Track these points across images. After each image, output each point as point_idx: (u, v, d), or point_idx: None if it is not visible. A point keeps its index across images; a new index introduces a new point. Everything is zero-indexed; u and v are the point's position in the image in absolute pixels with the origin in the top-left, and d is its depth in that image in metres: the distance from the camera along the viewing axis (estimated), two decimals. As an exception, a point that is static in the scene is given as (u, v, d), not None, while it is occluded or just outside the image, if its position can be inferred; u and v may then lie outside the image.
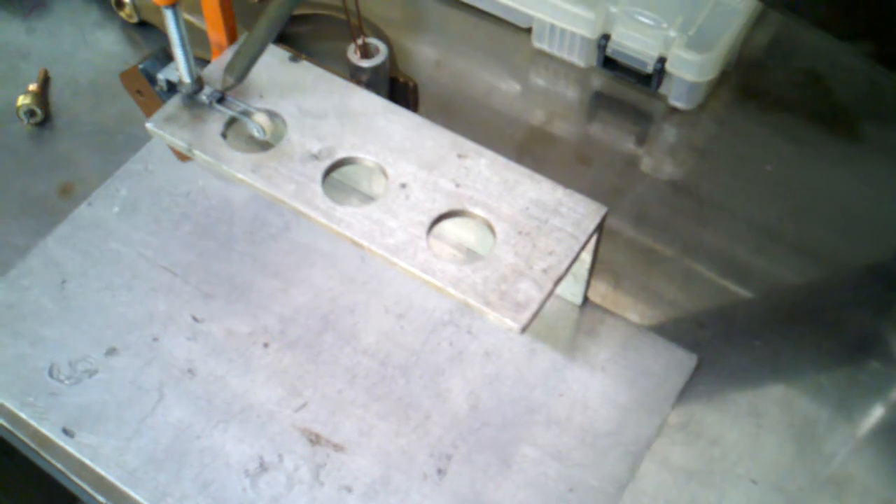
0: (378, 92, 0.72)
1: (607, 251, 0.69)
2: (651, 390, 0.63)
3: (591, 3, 0.76)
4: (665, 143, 0.78)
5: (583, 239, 0.58)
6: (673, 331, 0.67)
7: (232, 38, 0.68)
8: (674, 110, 0.79)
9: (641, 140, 0.78)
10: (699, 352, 0.65)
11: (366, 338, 0.65)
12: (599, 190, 0.74)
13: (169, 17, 0.59)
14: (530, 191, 0.61)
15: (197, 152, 0.62)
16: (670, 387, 0.63)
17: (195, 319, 0.66)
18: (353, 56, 0.71)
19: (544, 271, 0.57)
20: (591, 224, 0.59)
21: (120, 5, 0.82)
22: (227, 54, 0.67)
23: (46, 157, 0.76)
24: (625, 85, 0.80)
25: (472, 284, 0.56)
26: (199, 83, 0.64)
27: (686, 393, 0.64)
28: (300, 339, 0.65)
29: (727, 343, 0.67)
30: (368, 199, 0.70)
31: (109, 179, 0.74)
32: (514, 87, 0.82)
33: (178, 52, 0.62)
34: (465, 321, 0.66)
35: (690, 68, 0.74)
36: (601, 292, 0.69)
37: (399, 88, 0.75)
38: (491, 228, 0.59)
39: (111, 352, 0.64)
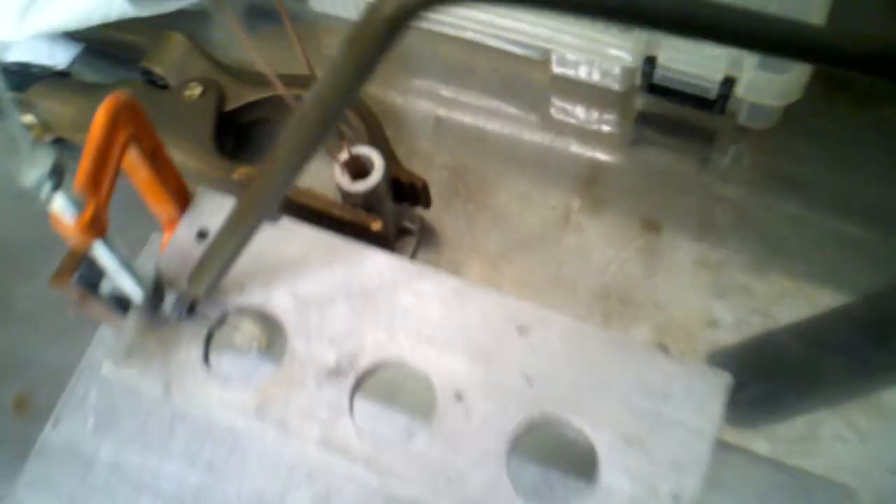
0: (379, 210, 0.55)
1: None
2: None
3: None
4: (745, 181, 0.61)
5: (711, 433, 0.44)
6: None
7: (184, 202, 0.51)
8: (745, 130, 0.62)
9: (714, 182, 0.61)
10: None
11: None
12: (679, 267, 0.59)
13: (99, 251, 0.42)
14: (626, 368, 0.46)
15: (179, 397, 0.47)
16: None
17: (226, 573, 0.52)
18: (343, 178, 0.54)
19: (675, 498, 0.43)
20: (716, 406, 0.45)
21: (27, 126, 0.64)
22: (184, 231, 0.50)
23: (-15, 361, 0.61)
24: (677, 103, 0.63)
25: (587, 543, 0.42)
26: (157, 292, 0.48)
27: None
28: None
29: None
30: (411, 406, 0.54)
31: (72, 380, 0.58)
32: (540, 133, 0.64)
33: (122, 281, 0.45)
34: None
35: (768, 92, 0.57)
36: (712, 416, 0.55)
37: (404, 190, 0.58)
38: (589, 442, 0.45)
39: None
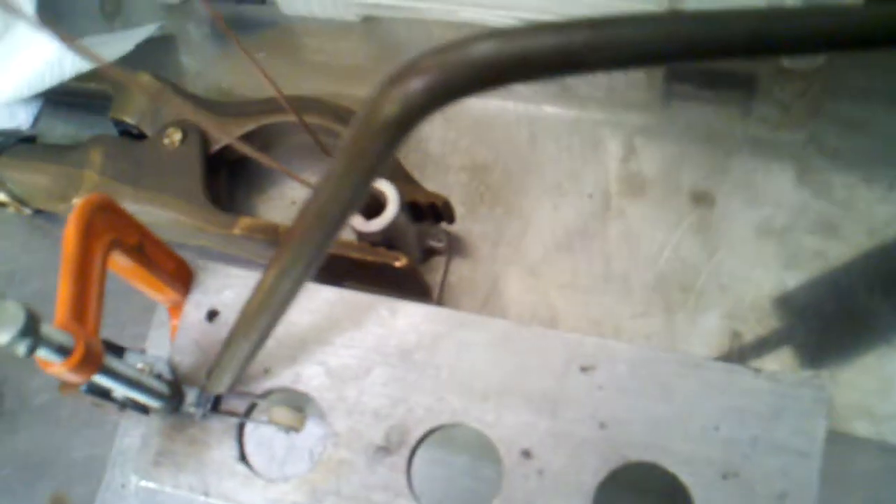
0: (401, 242, 0.50)
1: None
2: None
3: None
4: (798, 129, 0.54)
5: (817, 455, 0.39)
6: None
7: (186, 280, 0.45)
8: (789, 72, 0.55)
9: (764, 135, 0.55)
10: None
11: None
12: (740, 240, 0.53)
13: (101, 380, 0.37)
14: (709, 394, 0.40)
15: (220, 502, 0.43)
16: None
17: None
18: (356, 219, 0.48)
19: (787, 536, 0.38)
20: (818, 423, 0.39)
21: (1, 204, 0.58)
22: (192, 314, 0.45)
23: (13, 464, 0.56)
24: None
25: None
26: (176, 393, 0.43)
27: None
28: None
29: None
30: (474, 471, 0.48)
31: (107, 474, 0.54)
32: (561, 108, 0.58)
33: (134, 395, 0.40)
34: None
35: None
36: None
37: (424, 210, 0.52)
38: (681, 483, 0.40)
39: None
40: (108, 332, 0.41)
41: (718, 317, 0.51)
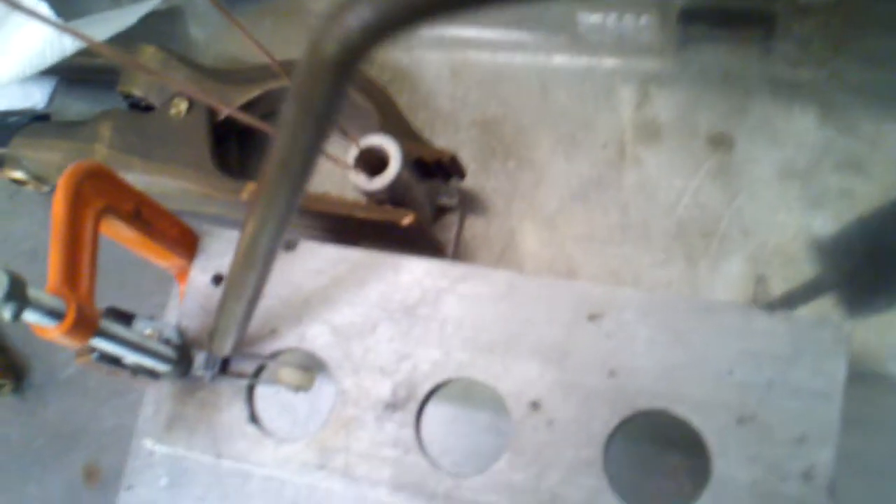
0: (408, 199, 0.49)
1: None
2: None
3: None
4: (820, 64, 0.52)
5: (838, 395, 0.37)
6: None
7: (191, 246, 0.45)
8: (807, 7, 0.53)
9: (784, 73, 0.52)
10: None
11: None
12: (762, 183, 0.51)
13: (100, 343, 0.38)
14: (722, 337, 0.39)
15: (232, 463, 0.43)
16: None
17: None
18: (359, 178, 0.47)
19: (806, 477, 0.37)
20: (838, 363, 0.38)
21: (19, 182, 0.59)
22: (198, 279, 0.45)
23: (45, 436, 0.57)
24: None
25: (715, 554, 0.37)
26: (185, 357, 0.43)
27: None
28: None
29: None
30: (483, 423, 0.47)
31: (135, 441, 0.55)
32: (572, 57, 0.56)
33: (142, 360, 0.40)
34: None
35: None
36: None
37: (432, 167, 0.51)
38: (695, 429, 0.38)
39: None
40: (130, 302, 0.42)
41: (741, 262, 0.49)
